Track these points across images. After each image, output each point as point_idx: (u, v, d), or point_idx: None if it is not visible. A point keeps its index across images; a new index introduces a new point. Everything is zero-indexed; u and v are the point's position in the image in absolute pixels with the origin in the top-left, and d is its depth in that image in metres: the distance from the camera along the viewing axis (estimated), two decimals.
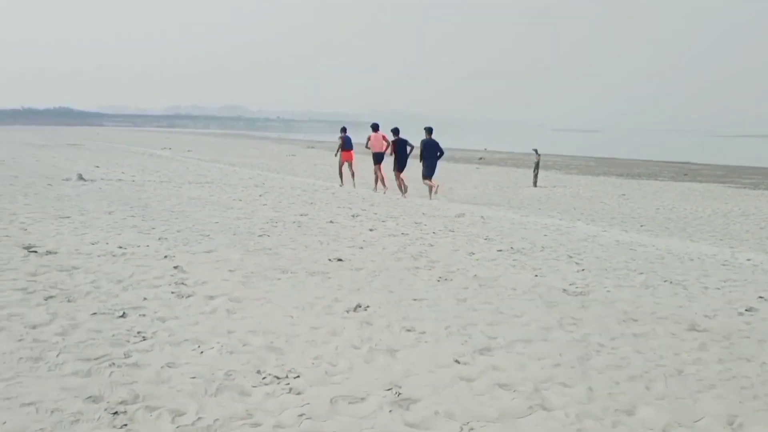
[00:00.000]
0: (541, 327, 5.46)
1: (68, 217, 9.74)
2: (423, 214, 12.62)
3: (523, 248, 9.15)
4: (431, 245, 9.06)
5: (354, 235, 9.61)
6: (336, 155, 20.25)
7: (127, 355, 4.35)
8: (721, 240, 12.11)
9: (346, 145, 19.47)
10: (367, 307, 5.79)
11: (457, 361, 4.57)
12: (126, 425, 3.40)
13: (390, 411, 3.75)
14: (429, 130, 17.11)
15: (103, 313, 5.21)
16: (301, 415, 3.64)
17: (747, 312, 6.27)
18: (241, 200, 13.41)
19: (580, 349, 4.97)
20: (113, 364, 4.18)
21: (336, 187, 18.11)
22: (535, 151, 24.47)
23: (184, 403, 3.69)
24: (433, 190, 17.01)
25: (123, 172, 19.32)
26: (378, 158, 18.25)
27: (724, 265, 8.83)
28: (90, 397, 3.66)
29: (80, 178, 15.91)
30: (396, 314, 5.62)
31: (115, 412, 3.51)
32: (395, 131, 17.85)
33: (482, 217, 12.69)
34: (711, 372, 4.61)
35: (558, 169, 34.23)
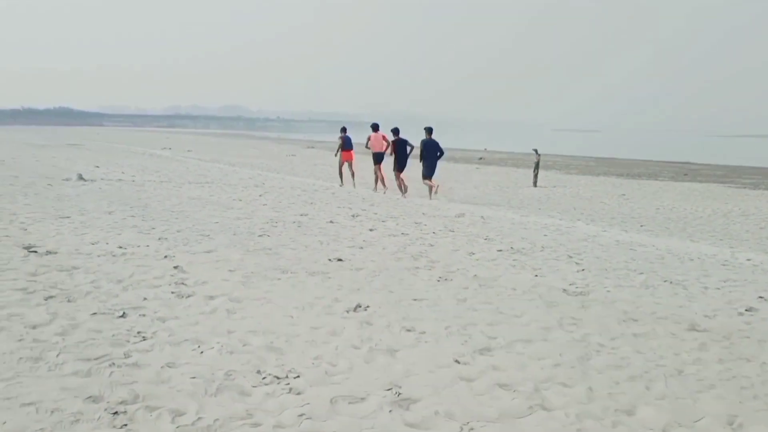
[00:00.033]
0: (541, 327, 5.46)
1: (68, 217, 9.74)
2: (423, 214, 12.62)
3: (523, 248, 9.15)
4: (431, 245, 9.06)
5: (354, 235, 9.61)
6: (336, 155, 20.26)
7: (127, 355, 4.35)
8: (721, 240, 12.11)
9: (346, 145, 19.46)
10: (367, 307, 5.79)
11: (457, 361, 4.57)
12: (126, 425, 3.40)
13: (390, 411, 3.75)
14: (429, 130, 17.12)
15: (103, 313, 5.21)
16: (301, 415, 3.64)
17: (747, 312, 6.27)
18: (241, 200, 13.42)
19: (580, 349, 4.97)
20: (113, 364, 4.18)
21: (336, 187, 18.10)
22: (535, 151, 24.47)
23: (184, 403, 3.69)
24: (433, 190, 17.01)
25: (123, 172, 19.32)
26: (378, 158, 18.25)
27: (724, 265, 8.83)
28: (90, 397, 3.66)
29: (80, 178, 15.91)
30: (396, 314, 5.62)
31: (115, 412, 3.51)
32: (395, 131, 17.85)
33: (482, 217, 12.70)
34: (711, 372, 4.61)
35: (558, 169, 34.24)
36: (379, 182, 18.29)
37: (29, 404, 3.52)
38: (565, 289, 6.83)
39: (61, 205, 11.15)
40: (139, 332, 4.82)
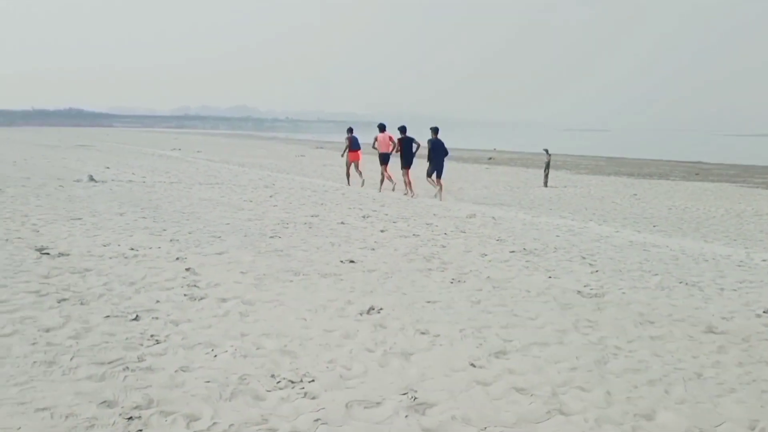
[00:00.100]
0: (557, 329, 5.41)
1: (80, 219, 9.76)
2: (434, 214, 12.57)
3: (535, 249, 9.09)
4: (443, 246, 9.01)
5: (365, 236, 9.57)
6: (342, 156, 20.31)
7: (140, 359, 4.33)
8: (735, 240, 11.98)
9: (353, 145, 19.50)
10: (381, 309, 5.75)
11: (473, 365, 4.53)
12: (141, 431, 3.38)
13: (406, 416, 3.70)
14: (435, 130, 17.12)
15: (116, 316, 5.20)
16: (316, 420, 3.60)
17: (765, 314, 6.18)
18: (251, 201, 13.41)
19: (596, 352, 4.91)
20: (127, 368, 4.16)
21: (346, 188, 18.08)
22: (546, 151, 24.35)
23: (199, 408, 3.66)
24: (442, 190, 16.99)
25: (133, 173, 19.37)
26: (384, 159, 18.26)
27: (739, 265, 8.73)
28: (104, 402, 3.65)
29: (91, 179, 15.96)
30: (410, 317, 5.58)
31: (130, 417, 3.48)
32: (402, 129, 17.91)
33: (493, 217, 12.63)
34: (730, 375, 4.54)
35: (568, 169, 34.06)
36: (386, 181, 18.27)
37: (43, 409, 3.50)
38: (579, 291, 6.76)
39: (73, 206, 11.17)
40: (152, 335, 4.81)
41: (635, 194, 21.17)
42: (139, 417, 3.50)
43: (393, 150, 17.99)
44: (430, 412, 3.77)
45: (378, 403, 3.85)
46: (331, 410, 3.73)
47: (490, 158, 44.33)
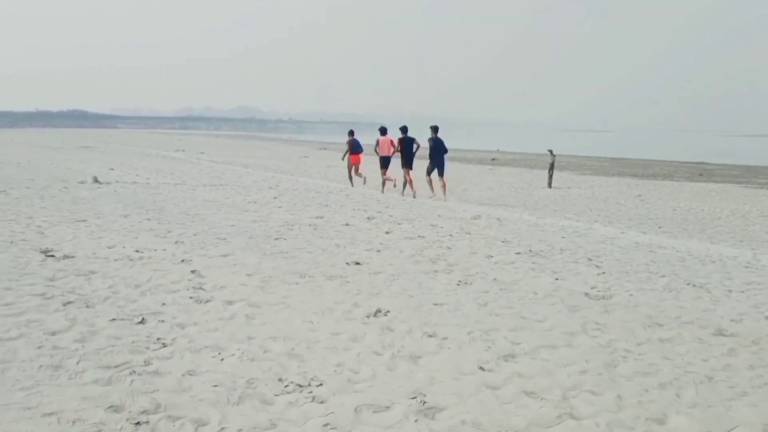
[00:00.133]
0: (565, 332, 5.37)
1: (84, 221, 9.75)
2: (438, 216, 12.53)
3: (541, 251, 9.04)
4: (449, 248, 8.97)
5: (370, 237, 9.54)
6: (343, 159, 20.36)
7: (147, 363, 4.30)
8: (741, 242, 11.91)
9: (354, 148, 19.52)
10: (387, 312, 5.72)
11: (482, 368, 4.49)
12: None
13: (416, 420, 3.67)
14: (435, 129, 17.14)
15: (122, 319, 5.18)
16: (326, 425, 3.57)
17: None
18: (255, 203, 13.39)
19: (606, 355, 4.87)
20: (134, 372, 4.13)
21: (350, 189, 18.07)
22: (550, 152, 24.27)
23: (207, 412, 3.63)
24: (446, 188, 16.97)
25: (137, 175, 19.37)
26: (385, 162, 18.30)
27: (746, 267, 8.67)
28: (111, 406, 3.62)
29: (95, 180, 15.96)
30: (417, 319, 5.54)
31: (138, 423, 3.46)
32: (403, 129, 17.96)
33: (498, 219, 12.59)
34: (742, 378, 4.50)
35: (572, 170, 33.98)
36: (387, 183, 18.28)
37: (50, 414, 3.47)
38: (586, 293, 6.72)
39: (77, 208, 11.16)
40: (158, 339, 4.78)
41: (639, 195, 21.10)
42: (147, 422, 3.47)
43: (394, 153, 18.06)
44: (440, 417, 3.74)
45: (387, 408, 3.82)
46: (340, 415, 3.70)
47: (493, 159, 44.25)
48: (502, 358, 4.70)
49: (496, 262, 8.13)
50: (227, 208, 12.27)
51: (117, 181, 16.64)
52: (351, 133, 20.30)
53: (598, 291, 6.83)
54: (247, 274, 6.88)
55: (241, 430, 3.45)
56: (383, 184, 18.25)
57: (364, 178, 19.43)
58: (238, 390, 3.95)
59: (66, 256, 7.25)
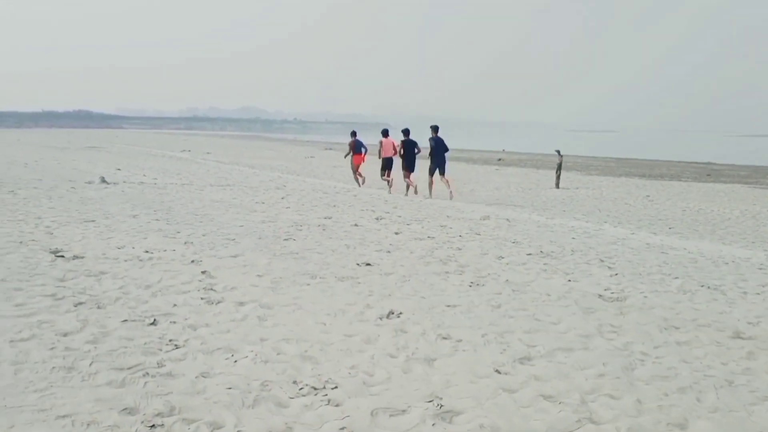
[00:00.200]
0: (581, 335, 5.30)
1: (93, 221, 9.72)
2: (447, 216, 12.47)
3: (552, 252, 8.97)
4: (459, 249, 8.91)
5: (380, 238, 9.49)
6: (345, 158, 20.60)
7: (160, 365, 4.26)
8: (753, 242, 11.82)
9: (356, 149, 19.61)
10: (400, 313, 5.66)
11: (498, 371, 4.43)
12: None
13: (433, 424, 3.61)
14: (435, 129, 17.14)
15: (134, 320, 5.14)
16: (342, 429, 3.52)
17: None
18: (263, 203, 13.35)
19: (623, 358, 4.80)
20: (147, 374, 4.09)
21: (357, 189, 18.05)
22: (558, 152, 24.19)
23: (222, 415, 3.58)
24: (450, 186, 16.94)
25: (144, 175, 19.37)
26: (388, 164, 18.32)
27: (760, 268, 8.58)
28: (125, 408, 3.58)
29: (102, 180, 15.96)
30: (430, 321, 5.49)
31: (152, 425, 3.41)
32: (405, 132, 18.00)
33: (507, 219, 12.52)
34: (763, 383, 4.42)
35: (578, 170, 33.90)
36: (393, 185, 18.30)
37: (65, 416, 3.43)
38: (600, 295, 6.65)
39: (85, 208, 11.14)
40: (171, 340, 4.74)
41: (648, 196, 21.01)
42: (162, 425, 3.43)
43: (395, 155, 18.14)
44: (457, 420, 3.68)
45: (404, 411, 3.77)
46: (356, 418, 3.65)
47: (499, 159, 44.17)
48: (518, 361, 4.64)
49: (507, 263, 8.06)
50: (235, 208, 12.24)
51: (124, 182, 16.64)
52: (353, 134, 20.44)
53: (612, 293, 6.76)
54: (258, 275, 6.83)
55: None
56: (389, 185, 18.23)
57: (364, 178, 19.52)
58: (253, 392, 3.90)
59: (76, 257, 7.22)
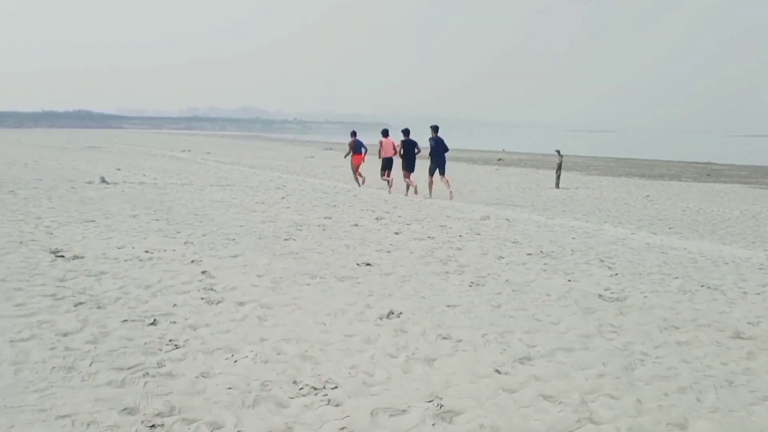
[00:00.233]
0: (581, 335, 5.30)
1: (93, 221, 9.72)
2: (447, 216, 12.47)
3: (552, 252, 8.97)
4: (459, 249, 8.90)
5: (380, 238, 9.49)
6: (345, 158, 20.64)
7: (160, 365, 4.26)
8: (753, 243, 11.82)
9: (356, 149, 19.64)
10: (400, 313, 5.66)
11: (498, 371, 4.43)
12: None
13: (433, 424, 3.61)
14: (435, 129, 17.15)
15: (134, 320, 5.14)
16: (342, 429, 3.52)
17: None
18: (263, 203, 13.35)
19: (623, 358, 4.80)
20: (147, 374, 4.09)
21: (357, 189, 18.05)
22: (558, 152, 24.20)
23: (222, 415, 3.58)
24: (450, 186, 16.95)
25: (144, 175, 19.37)
26: (388, 164, 18.34)
27: (760, 269, 8.58)
28: (126, 408, 3.58)
29: (102, 180, 15.96)
30: (430, 321, 5.49)
31: (153, 425, 3.41)
32: (405, 132, 18.02)
33: (507, 219, 12.52)
34: (763, 383, 4.42)
35: (578, 170, 33.90)
36: (393, 185, 18.32)
37: (65, 416, 3.43)
38: (600, 295, 6.65)
39: (85, 208, 11.14)
40: (170, 340, 4.74)
41: (648, 196, 21.02)
42: (162, 425, 3.43)
43: (395, 155, 18.16)
44: (458, 420, 3.68)
45: (404, 411, 3.77)
46: (356, 418, 3.65)
47: (499, 159, 44.17)
48: (518, 361, 4.64)
49: (507, 263, 8.06)
50: (235, 208, 12.24)
51: (124, 182, 16.64)
52: (353, 134, 20.49)
53: (612, 293, 6.76)
54: (258, 275, 6.83)
55: None
56: (390, 185, 18.25)
57: (364, 178, 19.58)
58: (253, 392, 3.90)
59: (76, 257, 7.22)
